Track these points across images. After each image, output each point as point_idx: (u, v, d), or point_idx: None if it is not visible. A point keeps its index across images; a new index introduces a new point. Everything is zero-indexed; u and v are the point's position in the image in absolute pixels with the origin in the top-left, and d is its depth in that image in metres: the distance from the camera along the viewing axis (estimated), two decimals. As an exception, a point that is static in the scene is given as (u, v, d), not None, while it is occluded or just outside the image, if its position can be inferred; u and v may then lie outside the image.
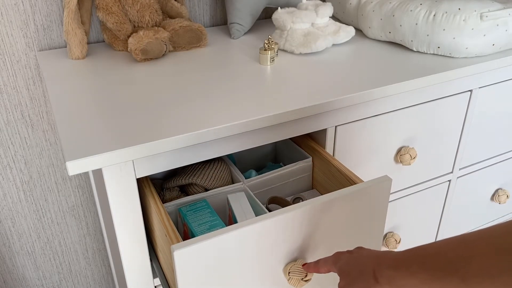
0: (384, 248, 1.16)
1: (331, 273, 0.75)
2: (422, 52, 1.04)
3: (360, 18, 1.13)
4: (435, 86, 0.98)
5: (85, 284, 1.42)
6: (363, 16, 1.12)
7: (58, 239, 1.31)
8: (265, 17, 1.35)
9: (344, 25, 1.10)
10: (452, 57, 1.01)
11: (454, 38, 0.98)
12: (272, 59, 0.98)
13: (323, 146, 0.92)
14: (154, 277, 0.84)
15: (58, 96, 0.84)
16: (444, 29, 0.98)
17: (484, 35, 0.97)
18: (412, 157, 1.01)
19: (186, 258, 0.60)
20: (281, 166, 0.98)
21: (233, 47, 1.10)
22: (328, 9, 1.07)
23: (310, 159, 0.92)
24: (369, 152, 0.98)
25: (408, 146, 1.02)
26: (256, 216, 0.78)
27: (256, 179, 0.87)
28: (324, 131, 0.90)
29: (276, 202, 0.88)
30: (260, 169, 1.07)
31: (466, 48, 0.98)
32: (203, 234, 0.65)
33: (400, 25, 1.03)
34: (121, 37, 1.04)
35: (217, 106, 0.80)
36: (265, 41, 0.97)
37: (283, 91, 0.85)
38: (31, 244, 1.28)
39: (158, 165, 0.74)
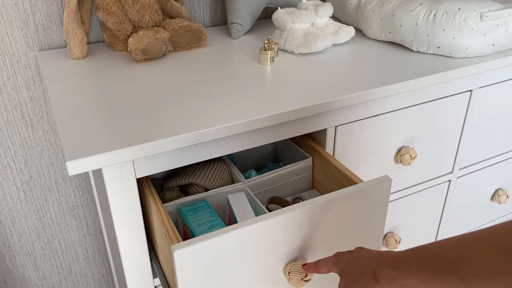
0: (384, 248, 1.16)
1: (331, 273, 0.75)
2: (422, 52, 1.04)
3: (360, 18, 1.13)
4: (435, 86, 0.98)
5: (85, 284, 1.42)
6: (363, 16, 1.12)
7: (58, 239, 1.31)
8: (265, 17, 1.35)
9: (344, 25, 1.10)
10: (452, 57, 1.01)
11: (454, 38, 0.98)
12: (272, 59, 0.98)
13: (323, 146, 0.92)
14: (154, 277, 0.84)
15: (58, 96, 0.84)
16: (444, 29, 0.98)
17: (484, 35, 0.97)
18: (412, 157, 1.01)
19: (186, 258, 0.60)
20: (281, 166, 0.98)
21: (233, 47, 1.10)
22: (328, 9, 1.07)
23: (310, 159, 0.92)
24: (369, 152, 0.98)
25: (408, 146, 1.02)
26: (256, 216, 0.78)
27: (256, 179, 0.87)
28: (324, 131, 0.90)
29: (276, 202, 0.88)
30: (260, 169, 1.07)
31: (466, 48, 0.98)
32: (203, 234, 0.65)
33: (400, 25, 1.03)
34: (121, 37, 1.04)
35: (217, 106, 0.80)
36: (265, 41, 0.97)
37: (283, 91, 0.85)
38: (31, 244, 1.28)
39: (158, 165, 0.74)
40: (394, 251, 0.54)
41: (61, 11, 1.07)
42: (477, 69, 0.98)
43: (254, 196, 0.82)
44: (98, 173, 0.98)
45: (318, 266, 0.65)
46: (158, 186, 0.94)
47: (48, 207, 1.26)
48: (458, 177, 1.19)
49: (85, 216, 1.31)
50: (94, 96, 0.84)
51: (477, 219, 1.34)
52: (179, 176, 0.90)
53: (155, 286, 0.85)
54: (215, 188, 0.88)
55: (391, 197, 1.09)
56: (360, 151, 0.96)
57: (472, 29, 0.97)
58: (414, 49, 1.04)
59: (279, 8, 1.08)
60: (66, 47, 1.11)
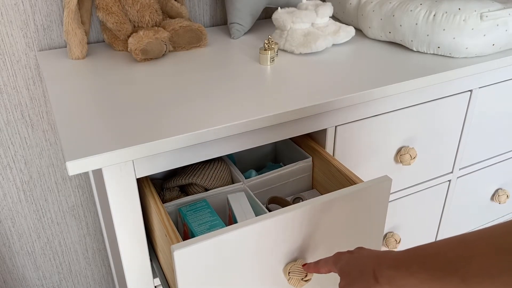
0: (384, 248, 1.16)
1: (331, 273, 0.75)
2: (422, 52, 1.04)
3: (360, 18, 1.13)
4: (435, 86, 0.98)
5: (85, 284, 1.42)
6: (363, 16, 1.12)
7: (58, 239, 1.31)
8: (265, 17, 1.35)
9: (344, 25, 1.10)
10: (452, 57, 1.01)
11: (454, 38, 0.98)
12: (272, 59, 0.98)
13: (323, 146, 0.92)
14: (154, 277, 0.84)
15: (58, 96, 0.84)
16: (444, 29, 0.98)
17: (484, 35, 0.97)
18: (412, 157, 1.01)
19: (186, 258, 0.60)
20: (281, 166, 0.98)
21: (233, 47, 1.10)
22: (328, 9, 1.07)
23: (310, 159, 0.92)
24: (369, 152, 0.98)
25: (408, 146, 1.02)
26: (256, 216, 0.78)
27: (256, 179, 0.87)
28: (324, 131, 0.90)
29: (276, 202, 0.88)
30: (260, 169, 1.07)
31: (466, 48, 0.98)
32: (203, 234, 0.65)
33: (400, 25, 1.03)
34: (121, 37, 1.04)
35: (217, 106, 0.80)
36: (265, 41, 0.97)
37: (283, 91, 0.85)
38: (31, 244, 1.28)
39: (158, 165, 0.74)
40: (394, 251, 0.54)
41: (61, 11, 1.07)
42: (477, 69, 0.98)
43: (254, 196, 0.82)
44: (98, 173, 0.98)
45: (318, 266, 0.65)
46: (158, 186, 0.94)
47: (48, 207, 1.26)
48: (458, 177, 1.19)
49: (85, 216, 1.31)
50: (94, 96, 0.84)
51: (477, 219, 1.34)
52: (179, 176, 0.90)
53: (155, 286, 0.85)
54: (215, 188, 0.88)
55: (391, 197, 1.09)
56: (360, 151, 0.96)
57: (472, 29, 0.97)
58: (414, 49, 1.04)
59: (279, 8, 1.08)
60: (66, 47, 1.11)
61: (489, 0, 1.01)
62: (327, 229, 0.71)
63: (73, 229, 1.32)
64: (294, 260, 0.70)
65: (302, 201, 0.79)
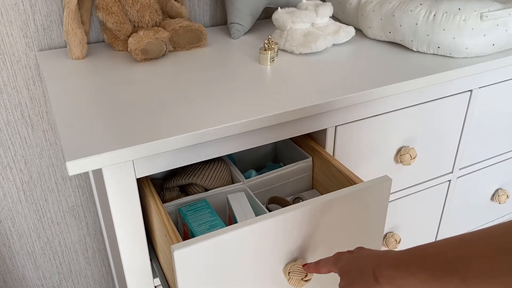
0: (384, 248, 1.16)
1: (331, 273, 0.75)
2: (422, 52, 1.04)
3: (360, 18, 1.13)
4: (435, 86, 0.98)
5: (85, 284, 1.42)
6: (363, 16, 1.12)
7: (58, 239, 1.31)
8: (265, 17, 1.35)
9: (344, 25, 1.10)
10: (452, 57, 1.01)
11: (454, 38, 0.98)
12: (272, 59, 0.98)
13: (323, 146, 0.92)
14: (154, 277, 0.84)
15: (58, 96, 0.84)
16: (444, 29, 0.98)
17: (484, 35, 0.97)
18: (412, 157, 1.01)
19: (186, 258, 0.60)
20: (281, 166, 0.98)
21: (233, 47, 1.10)
22: (328, 9, 1.07)
23: (310, 159, 0.92)
24: (369, 152, 0.98)
25: (408, 146, 1.02)
26: (256, 216, 0.78)
27: (256, 179, 0.87)
28: (324, 131, 0.90)
29: (276, 202, 0.88)
30: (260, 169, 1.07)
31: (466, 48, 0.98)
32: (203, 234, 0.65)
33: (400, 25, 1.03)
34: (121, 37, 1.04)
35: (217, 106, 0.80)
36: (265, 41, 0.97)
37: (283, 91, 0.85)
38: (31, 244, 1.28)
39: (158, 165, 0.74)
40: (394, 251, 0.54)
41: (61, 11, 1.07)
42: (477, 69, 0.98)
43: (254, 196, 0.82)
44: (98, 173, 0.98)
45: (318, 266, 0.65)
46: (158, 186, 0.94)
47: (48, 207, 1.26)
48: (458, 177, 1.19)
49: (85, 216, 1.31)
50: (94, 96, 0.84)
51: (477, 219, 1.34)
52: (179, 176, 0.90)
53: (155, 286, 0.85)
54: (215, 188, 0.88)
55: (391, 197, 1.09)
56: (360, 151, 0.96)
57: (472, 29, 0.97)
58: (414, 49, 1.04)
59: (279, 8, 1.08)
60: (66, 47, 1.11)
61: (489, 0, 1.01)
62: (327, 229, 0.71)
63: (73, 229, 1.32)
64: (294, 260, 0.70)
65: (302, 201, 0.79)
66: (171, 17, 1.12)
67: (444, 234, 1.29)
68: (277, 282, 0.71)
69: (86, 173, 1.26)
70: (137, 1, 1.04)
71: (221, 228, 0.69)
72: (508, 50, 1.04)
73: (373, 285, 0.53)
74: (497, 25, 0.97)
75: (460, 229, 1.32)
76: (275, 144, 1.07)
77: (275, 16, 1.06)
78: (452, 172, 1.16)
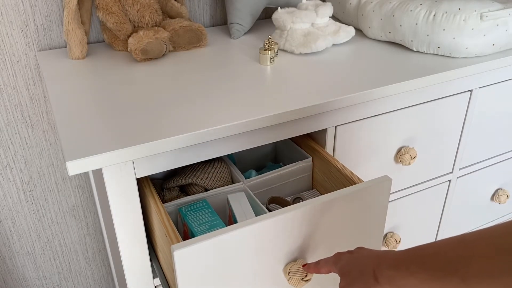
0: (384, 248, 1.16)
1: (331, 273, 0.75)
2: (422, 52, 1.04)
3: (360, 18, 1.13)
4: (435, 86, 0.98)
5: (85, 284, 1.42)
6: (363, 16, 1.12)
7: (58, 239, 1.31)
8: (265, 17, 1.35)
9: (344, 25, 1.10)
10: (452, 57, 1.01)
11: (454, 38, 0.98)
12: (272, 59, 0.98)
13: (323, 146, 0.92)
14: (154, 277, 0.84)
15: (58, 96, 0.84)
16: (444, 29, 0.98)
17: (484, 35, 0.97)
18: (412, 157, 1.01)
19: (186, 258, 0.60)
20: (281, 166, 0.98)
21: (233, 47, 1.10)
22: (328, 9, 1.07)
23: (310, 159, 0.92)
24: (369, 152, 0.98)
25: (408, 146, 1.02)
26: (256, 216, 0.78)
27: (256, 179, 0.87)
28: (324, 131, 0.90)
29: (276, 202, 0.88)
30: (260, 169, 1.07)
31: (466, 48, 0.98)
32: (203, 234, 0.65)
33: (400, 25, 1.03)
34: (121, 37, 1.04)
35: (217, 106, 0.80)
36: (265, 41, 0.97)
37: (283, 91, 0.85)
38: (31, 244, 1.28)
39: (158, 165, 0.74)
40: (394, 251, 0.54)
41: (61, 11, 1.07)
42: (477, 69, 0.98)
43: (254, 196, 0.82)
44: (98, 173, 0.98)
45: (318, 266, 0.65)
46: (158, 186, 0.94)
47: (48, 207, 1.26)
48: (458, 177, 1.19)
49: (85, 216, 1.31)
50: (94, 96, 0.84)
51: (477, 219, 1.34)
52: (179, 176, 0.90)
53: (155, 286, 0.85)
54: (215, 188, 0.88)
55: (391, 197, 1.09)
56: (360, 151, 0.96)
57: (472, 29, 0.97)
58: (414, 49, 1.04)
59: (279, 8, 1.08)
60: (66, 47, 1.11)
61: (489, 0, 1.01)
62: (327, 229, 0.71)
63: (73, 229, 1.32)
64: (294, 260, 0.70)
65: (302, 201, 0.79)
66: (171, 17, 1.12)
67: (444, 234, 1.29)
68: (277, 282, 0.71)
69: (86, 173, 1.26)
70: (137, 1, 1.04)
71: (221, 228, 0.69)
72: (508, 50, 1.04)
73: (373, 285, 0.53)
74: (497, 25, 0.97)
75: (460, 229, 1.32)
76: (275, 144, 1.07)
77: (275, 16, 1.06)
78: (452, 172, 1.16)
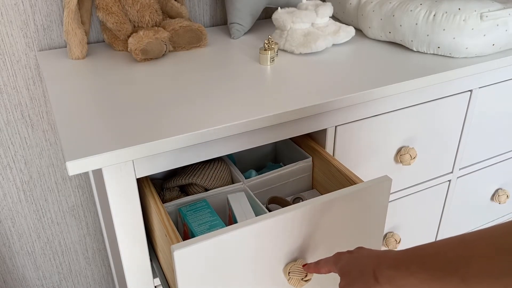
0: (384, 248, 1.16)
1: (331, 273, 0.75)
2: (422, 52, 1.04)
3: (360, 18, 1.13)
4: (435, 86, 0.98)
5: (85, 284, 1.42)
6: (363, 16, 1.12)
7: (58, 239, 1.31)
8: (265, 17, 1.35)
9: (344, 25, 1.10)
10: (452, 57, 1.01)
11: (454, 38, 0.98)
12: (272, 59, 0.98)
13: (323, 146, 0.92)
14: (154, 277, 0.84)
15: (58, 96, 0.84)
16: (444, 29, 0.98)
17: (484, 35, 0.97)
18: (412, 157, 1.01)
19: (186, 258, 0.60)
20: (281, 166, 0.98)
21: (233, 47, 1.10)
22: (328, 9, 1.07)
23: (310, 159, 0.92)
24: (369, 152, 0.98)
25: (408, 146, 1.02)
26: (256, 216, 0.78)
27: (256, 179, 0.87)
28: (324, 131, 0.90)
29: (276, 202, 0.88)
30: (260, 169, 1.07)
31: (466, 48, 0.98)
32: (203, 234, 0.65)
33: (400, 25, 1.03)
34: (121, 37, 1.04)
35: (217, 106, 0.80)
36: (265, 41, 0.97)
37: (283, 91, 0.85)
38: (31, 244, 1.28)
39: (158, 165, 0.74)
40: (394, 251, 0.54)
41: (61, 11, 1.07)
42: (477, 69, 0.98)
43: (254, 196, 0.82)
44: (98, 173, 0.98)
45: (318, 266, 0.65)
46: (158, 186, 0.94)
47: (48, 207, 1.26)
48: (458, 177, 1.19)
49: (85, 216, 1.31)
50: (94, 96, 0.84)
51: (477, 219, 1.34)
52: (179, 176, 0.90)
53: (155, 286, 0.85)
54: (215, 188, 0.88)
55: (391, 197, 1.09)
56: (360, 151, 0.96)
57: (472, 29, 0.97)
58: (414, 49, 1.04)
59: (279, 8, 1.08)
60: (66, 47, 1.11)
61: (489, 0, 1.01)
62: (327, 229, 0.71)
63: (73, 229, 1.32)
64: (294, 260, 0.70)
65: (302, 201, 0.79)
66: (171, 17, 1.12)
67: (444, 234, 1.29)
68: (277, 282, 0.71)
69: (86, 173, 1.26)
70: (137, 1, 1.04)
71: (221, 228, 0.69)
72: (508, 50, 1.04)
73: (373, 285, 0.53)
74: (497, 25, 0.97)
75: (460, 229, 1.32)
76: (275, 144, 1.07)
77: (275, 16, 1.06)
78: (452, 172, 1.16)
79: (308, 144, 0.93)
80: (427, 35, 1.00)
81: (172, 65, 0.98)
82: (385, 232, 1.15)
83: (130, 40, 0.99)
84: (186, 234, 0.80)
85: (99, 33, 1.14)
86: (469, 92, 1.05)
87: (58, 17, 1.08)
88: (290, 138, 0.99)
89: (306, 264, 0.68)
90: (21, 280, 1.32)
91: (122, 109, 0.79)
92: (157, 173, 0.97)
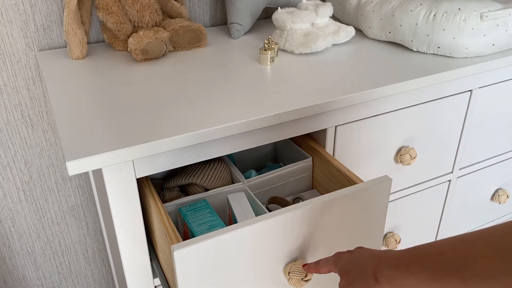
0: (384, 248, 1.16)
1: (331, 273, 0.75)
2: (422, 52, 1.04)
3: (360, 18, 1.13)
4: (435, 86, 0.98)
5: (85, 284, 1.42)
6: (363, 16, 1.12)
7: (58, 239, 1.31)
8: (265, 17, 1.35)
9: (344, 25, 1.10)
10: (452, 57, 1.01)
11: (454, 38, 0.98)
12: (272, 59, 0.98)
13: (323, 146, 0.92)
14: (154, 277, 0.84)
15: (58, 96, 0.84)
16: (444, 29, 0.98)
17: (484, 35, 0.97)
18: (412, 157, 1.01)
19: (186, 258, 0.60)
20: (281, 166, 0.98)
21: (233, 47, 1.10)
22: (328, 9, 1.07)
23: (310, 159, 0.92)
24: (369, 152, 0.98)
25: (408, 146, 1.02)
26: (256, 216, 0.78)
27: (256, 179, 0.87)
28: (324, 131, 0.90)
29: (276, 202, 0.88)
30: (260, 169, 1.07)
31: (466, 48, 0.98)
32: (203, 234, 0.65)
33: (400, 25, 1.03)
34: (121, 37, 1.04)
35: (217, 106, 0.80)
36: (265, 41, 0.97)
37: (283, 91, 0.85)
38: (31, 244, 1.28)
39: (158, 165, 0.74)
40: (394, 250, 0.54)
41: (61, 11, 1.07)
42: (477, 69, 0.98)
43: (254, 196, 0.82)
44: (98, 173, 0.98)
45: (318, 266, 0.65)
46: (158, 186, 0.94)
47: (48, 207, 1.26)
48: (458, 177, 1.19)
49: (85, 216, 1.31)
50: (94, 96, 0.84)
51: (477, 219, 1.34)
52: (179, 176, 0.90)
53: (155, 286, 0.85)
54: (215, 188, 0.88)
55: (391, 197, 1.09)
56: (360, 151, 0.97)
57: (472, 29, 0.97)
58: (414, 49, 1.04)
59: (279, 8, 1.08)
60: (66, 47, 1.11)
61: (489, 0, 1.01)
62: (327, 229, 0.71)
63: (73, 229, 1.32)
64: (294, 260, 0.70)
65: (302, 201, 0.79)
66: (171, 17, 1.12)
67: (444, 234, 1.29)
68: (277, 282, 0.71)
69: (86, 173, 1.26)
70: (137, 1, 1.04)
71: (221, 228, 0.69)
72: (508, 50, 1.04)
73: (373, 285, 0.53)
74: (497, 25, 0.97)
75: (460, 229, 1.32)
76: (275, 144, 1.07)
77: (275, 16, 1.06)
78: (452, 172, 1.16)
79: (308, 144, 0.93)
80: (427, 35, 1.00)
81: (172, 65, 0.98)
82: (385, 232, 1.15)
83: (130, 40, 0.99)
84: (186, 234, 0.80)
85: (99, 33, 1.14)
86: (469, 92, 1.05)
87: (58, 17, 1.08)
88: (290, 138, 0.99)
89: (306, 264, 0.68)
90: (21, 280, 1.32)
91: (122, 109, 0.79)
92: (157, 173, 0.97)
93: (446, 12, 0.98)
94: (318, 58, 1.02)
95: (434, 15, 0.99)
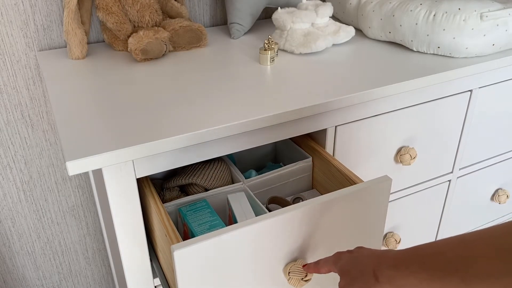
0: (384, 248, 1.16)
1: (331, 273, 0.75)
2: (422, 52, 1.04)
3: (360, 18, 1.13)
4: (435, 86, 0.98)
5: (85, 284, 1.42)
6: (363, 16, 1.12)
7: (58, 239, 1.31)
8: (265, 17, 1.35)
9: (344, 25, 1.10)
10: (452, 57, 1.01)
11: (454, 38, 0.98)
12: (272, 59, 0.98)
13: (323, 146, 0.92)
14: (154, 277, 0.84)
15: (58, 96, 0.84)
16: (444, 29, 0.98)
17: (484, 35, 0.97)
18: (412, 157, 1.01)
19: (186, 258, 0.60)
20: (281, 166, 0.98)
21: (233, 47, 1.10)
22: (328, 9, 1.07)
23: (310, 159, 0.92)
24: (369, 152, 0.98)
25: (408, 146, 1.02)
26: (256, 216, 0.78)
27: (256, 179, 0.87)
28: (324, 131, 0.90)
29: (276, 202, 0.88)
30: (260, 169, 1.07)
31: (466, 48, 0.98)
32: (203, 234, 0.65)
33: (400, 25, 1.03)
34: (121, 37, 1.04)
35: (217, 106, 0.80)
36: (265, 41, 0.97)
37: (283, 91, 0.85)
38: (31, 244, 1.28)
39: (158, 165, 0.74)
40: (394, 250, 0.54)
41: (61, 11, 1.07)
42: (477, 69, 0.98)
43: (254, 196, 0.82)
44: (98, 173, 0.98)
45: (318, 266, 0.65)
46: (158, 186, 0.94)
47: (48, 207, 1.26)
48: (458, 177, 1.19)
49: (85, 216, 1.31)
50: (94, 96, 0.84)
51: (477, 219, 1.34)
52: (179, 176, 0.90)
53: (155, 286, 0.85)
54: (215, 188, 0.88)
55: (391, 197, 1.09)
56: (360, 151, 0.97)
57: (472, 29, 0.97)
58: (414, 49, 1.04)
59: (279, 8, 1.08)
60: (66, 47, 1.11)
61: (489, 0, 1.01)
62: (327, 229, 0.71)
63: (73, 229, 1.32)
64: (294, 260, 0.70)
65: (302, 201, 0.79)
66: (171, 17, 1.12)
67: (444, 234, 1.29)
68: (277, 282, 0.71)
69: (86, 173, 1.26)
70: (137, 1, 1.04)
71: (221, 228, 0.69)
72: (508, 50, 1.04)
73: (373, 285, 0.53)
74: (497, 25, 0.98)
75: (460, 229, 1.32)
76: (275, 144, 1.07)
77: (275, 16, 1.06)
78: (452, 172, 1.16)
79: (308, 144, 0.93)
80: (427, 35, 1.00)
81: (172, 65, 0.98)
82: (385, 232, 1.15)
83: (130, 40, 0.99)
84: (186, 234, 0.80)
85: (99, 33, 1.14)
86: (469, 92, 1.05)
87: (58, 17, 1.08)
88: (290, 138, 0.99)
89: (306, 264, 0.68)
90: (21, 280, 1.32)
91: (122, 109, 0.79)
92: (157, 173, 0.97)
93: (446, 12, 0.98)
94: (318, 58, 1.02)
95: (434, 15, 0.99)
